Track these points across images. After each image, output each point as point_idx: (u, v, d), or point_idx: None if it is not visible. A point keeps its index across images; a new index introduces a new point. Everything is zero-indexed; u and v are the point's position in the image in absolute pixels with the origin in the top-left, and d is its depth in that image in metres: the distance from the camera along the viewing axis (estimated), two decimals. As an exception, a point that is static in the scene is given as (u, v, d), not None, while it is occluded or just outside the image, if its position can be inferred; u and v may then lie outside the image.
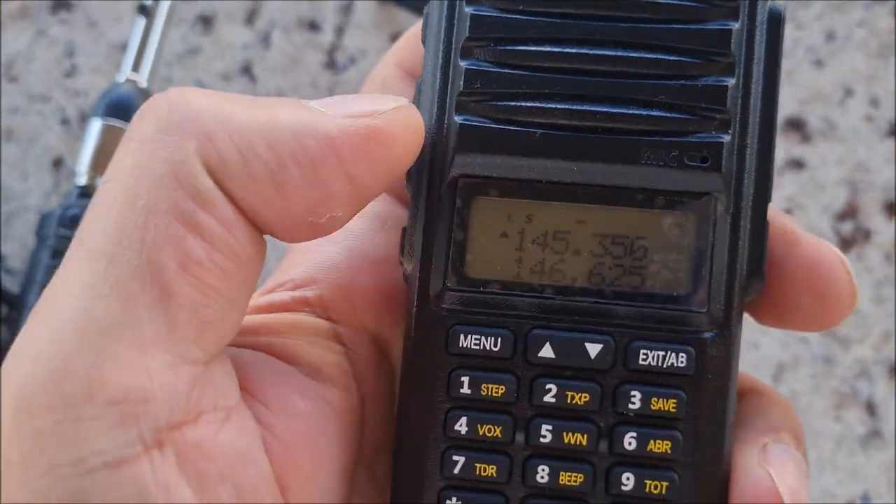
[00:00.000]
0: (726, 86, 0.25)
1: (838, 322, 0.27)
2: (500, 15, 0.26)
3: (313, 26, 0.58)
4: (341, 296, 0.28)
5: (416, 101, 0.26)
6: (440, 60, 0.26)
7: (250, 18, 0.58)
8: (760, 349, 0.55)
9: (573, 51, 0.25)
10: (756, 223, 0.26)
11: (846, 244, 0.55)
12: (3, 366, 0.22)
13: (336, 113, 0.24)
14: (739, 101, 0.25)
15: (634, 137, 0.25)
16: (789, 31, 0.57)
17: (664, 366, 0.25)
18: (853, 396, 0.54)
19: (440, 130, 0.26)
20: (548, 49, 0.25)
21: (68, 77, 0.58)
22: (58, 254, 0.48)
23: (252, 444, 0.24)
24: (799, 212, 0.56)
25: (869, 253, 0.55)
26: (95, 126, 0.51)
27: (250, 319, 0.28)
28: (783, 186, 0.56)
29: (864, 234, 0.56)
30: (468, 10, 0.26)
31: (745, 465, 0.26)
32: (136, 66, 0.52)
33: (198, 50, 0.58)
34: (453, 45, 0.26)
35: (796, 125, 0.56)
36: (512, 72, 0.25)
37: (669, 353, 0.25)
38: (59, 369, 0.22)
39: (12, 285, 0.54)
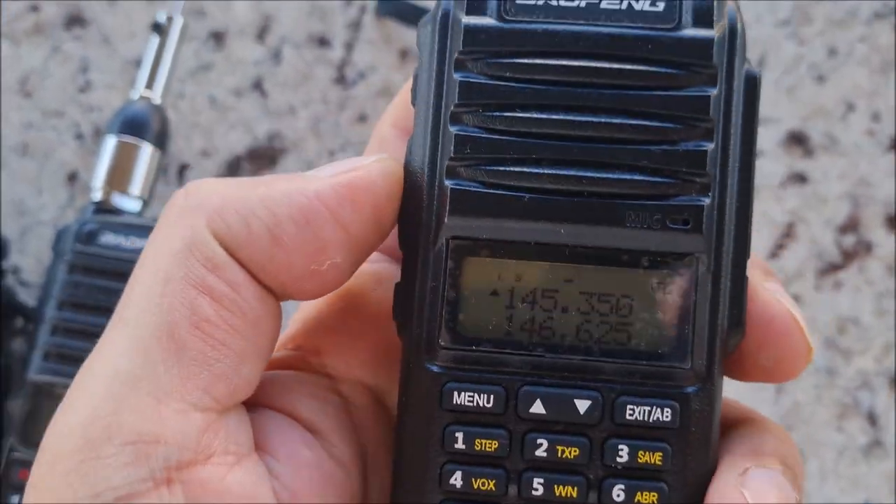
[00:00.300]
0: (706, 150, 0.26)
1: (795, 375, 0.29)
2: (488, 82, 0.26)
3: (323, 42, 0.59)
4: (337, 354, 0.30)
5: (407, 160, 0.28)
6: (430, 124, 0.27)
7: (261, 35, 0.59)
8: (764, 361, 0.56)
9: (559, 117, 0.26)
10: (736, 279, 0.27)
11: (848, 257, 0.56)
12: (54, 416, 0.26)
13: (324, 174, 0.27)
14: (718, 164, 0.26)
15: (619, 201, 0.26)
16: (791, 48, 0.58)
17: (650, 420, 0.27)
18: (855, 407, 0.55)
19: (431, 193, 0.27)
20: (535, 115, 0.26)
21: (82, 92, 0.59)
22: (74, 268, 0.49)
23: (261, 489, 0.26)
24: (802, 225, 0.57)
25: (870, 266, 0.56)
26: (110, 143, 0.52)
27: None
28: (786, 200, 0.57)
29: (866, 247, 0.56)
30: (457, 76, 0.27)
31: (720, 489, 0.27)
32: (149, 83, 0.53)
33: (210, 66, 0.59)
34: (442, 110, 0.27)
35: (799, 140, 0.57)
36: (500, 138, 0.26)
37: (655, 408, 0.27)
38: (86, 417, 0.25)
39: (28, 298, 0.55)
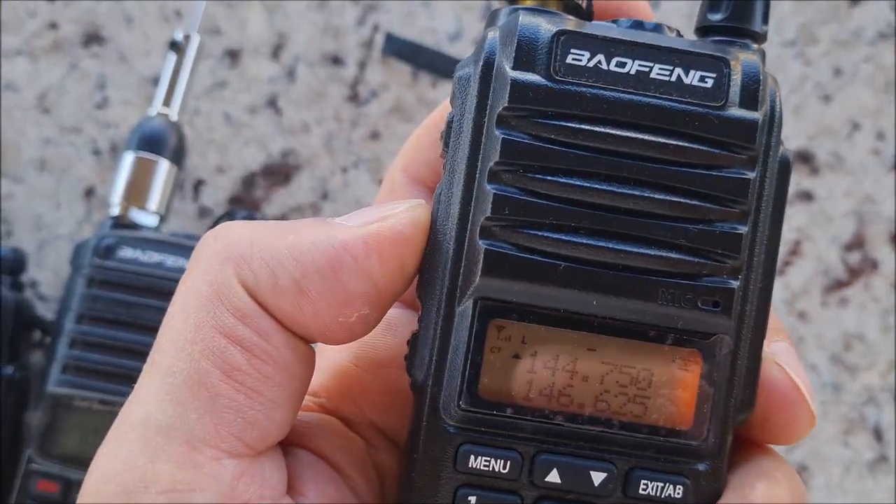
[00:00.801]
0: (741, 234, 0.26)
1: (800, 439, 0.29)
2: (532, 143, 0.26)
3: (336, 61, 0.60)
4: (350, 401, 0.31)
5: (435, 210, 0.27)
6: (464, 178, 0.26)
7: (276, 53, 0.60)
8: (770, 376, 0.56)
9: (602, 187, 0.26)
10: (752, 359, 0.27)
11: (854, 274, 0.57)
12: (93, 461, 0.27)
13: (353, 223, 0.27)
14: (748, 247, 0.26)
15: (654, 277, 0.26)
16: (797, 68, 0.59)
17: (662, 496, 0.27)
18: (861, 423, 0.56)
19: (459, 250, 0.26)
20: (577, 182, 0.26)
21: (100, 109, 0.60)
22: (92, 282, 0.50)
23: None
24: (808, 242, 0.57)
25: (876, 283, 0.57)
26: (128, 159, 0.53)
27: None
28: (792, 218, 0.58)
29: (872, 265, 0.57)
30: (498, 132, 0.26)
31: None
32: (166, 101, 0.54)
33: (225, 83, 0.60)
34: (479, 165, 0.26)
35: (805, 158, 0.58)
36: (540, 202, 0.26)
37: (667, 484, 0.27)
38: (123, 464, 0.26)
39: (46, 311, 0.56)
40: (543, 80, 0.26)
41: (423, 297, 0.27)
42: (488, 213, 0.26)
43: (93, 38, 0.61)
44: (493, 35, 0.26)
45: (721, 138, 0.26)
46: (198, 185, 0.59)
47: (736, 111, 0.26)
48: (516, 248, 0.26)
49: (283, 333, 0.27)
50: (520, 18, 0.26)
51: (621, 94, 0.26)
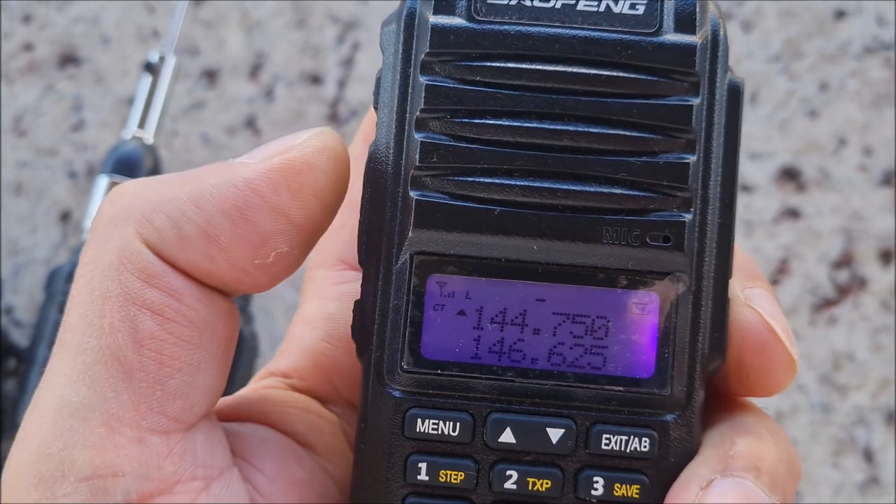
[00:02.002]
0: (688, 163, 0.25)
1: (781, 389, 0.27)
2: (456, 86, 0.25)
3: (316, 80, 0.59)
4: (323, 379, 0.29)
5: (369, 169, 0.26)
6: (393, 130, 0.25)
7: (254, 72, 0.60)
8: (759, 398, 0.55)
9: (533, 125, 0.25)
10: (717, 300, 0.25)
11: (842, 292, 0.56)
12: (10, 454, 0.25)
13: (254, 159, 0.25)
14: (700, 178, 0.25)
15: (596, 216, 0.25)
16: (783, 83, 0.58)
17: (627, 450, 0.25)
18: (851, 444, 0.55)
19: (394, 205, 0.25)
20: (506, 123, 0.25)
21: (76, 131, 0.59)
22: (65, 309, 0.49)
23: None
24: (796, 261, 0.57)
25: (865, 301, 0.56)
26: (102, 183, 0.52)
27: (246, 393, 0.29)
28: (779, 235, 0.57)
29: (860, 282, 0.56)
30: (423, 79, 0.25)
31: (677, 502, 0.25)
32: (141, 123, 0.53)
33: (203, 104, 0.59)
34: (407, 116, 0.25)
35: (791, 175, 0.57)
36: (469, 146, 0.25)
37: (632, 437, 0.25)
38: (36, 453, 0.24)
39: (21, 338, 0.55)
40: (464, 21, 0.25)
41: (363, 260, 0.26)
42: (416, 163, 0.25)
43: (69, 60, 0.60)
44: None
45: (657, 65, 0.24)
46: (175, 207, 0.59)
47: (671, 36, 0.25)
48: (448, 196, 0.25)
49: (197, 289, 0.25)
50: None
51: (547, 29, 0.25)
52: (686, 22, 0.25)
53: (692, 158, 0.25)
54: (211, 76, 0.60)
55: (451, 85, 0.25)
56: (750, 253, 0.57)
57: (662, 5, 0.25)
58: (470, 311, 0.26)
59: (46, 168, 0.59)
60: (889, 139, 0.57)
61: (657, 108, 0.24)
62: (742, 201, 0.57)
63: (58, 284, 0.50)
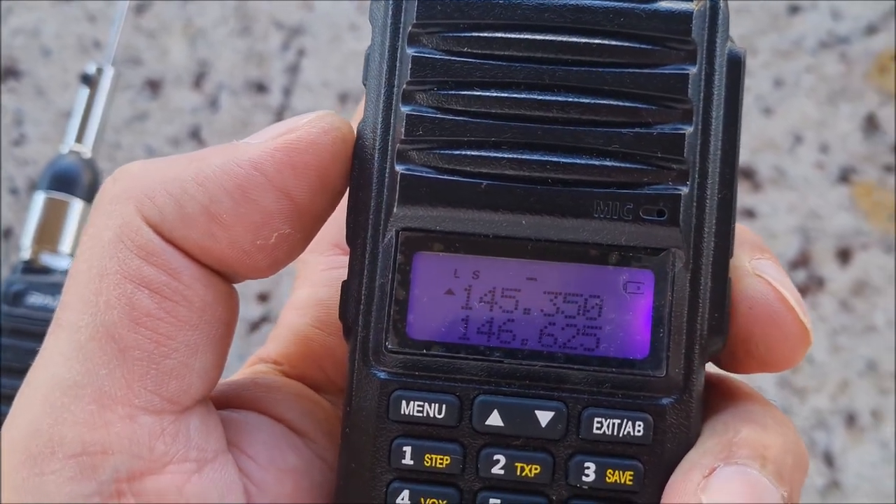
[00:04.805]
0: (683, 134, 0.23)
1: (794, 362, 0.25)
2: (442, 57, 0.24)
3: (261, 88, 0.58)
4: (314, 365, 0.29)
5: (358, 146, 0.25)
6: (381, 105, 0.25)
7: (198, 82, 0.58)
8: (716, 402, 0.55)
9: (521, 96, 0.24)
10: (717, 279, 0.24)
11: (800, 293, 0.55)
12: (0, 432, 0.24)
13: (259, 140, 0.25)
14: (698, 150, 0.24)
15: (586, 189, 0.24)
16: (737, 80, 0.57)
17: (620, 435, 0.24)
18: (811, 447, 0.54)
19: (381, 180, 0.25)
20: (494, 94, 0.24)
21: (17, 146, 0.58)
22: (1, 331, 0.48)
23: (228, 496, 0.24)
24: (752, 261, 0.56)
25: (823, 301, 0.55)
26: (38, 199, 0.51)
27: (237, 379, 0.28)
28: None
29: (818, 282, 0.55)
30: (410, 51, 0.24)
31: (678, 491, 0.23)
32: (79, 137, 0.52)
33: (146, 115, 0.58)
34: (395, 89, 0.25)
35: (747, 174, 0.56)
36: (456, 118, 0.24)
37: (626, 421, 0.24)
38: (27, 429, 0.24)
39: (-38, 359, 0.53)
40: None
41: (351, 240, 0.25)
42: (402, 136, 0.24)
43: (9, 73, 0.59)
44: None
45: (651, 33, 0.24)
46: (119, 221, 0.57)
47: (666, 3, 0.24)
48: (434, 170, 0.24)
49: (197, 269, 0.24)
50: None
51: None
52: None
53: (689, 129, 0.24)
54: (154, 86, 0.58)
55: (438, 56, 0.24)
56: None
57: None
58: (457, 290, 0.25)
59: (-12, 184, 0.58)
60: (845, 135, 0.56)
61: (651, 77, 0.24)
62: (696, 202, 0.56)
63: (-5, 304, 0.49)
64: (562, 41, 0.24)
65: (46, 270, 0.50)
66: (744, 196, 0.56)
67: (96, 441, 0.23)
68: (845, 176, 0.56)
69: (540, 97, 0.24)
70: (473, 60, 0.24)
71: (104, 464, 0.23)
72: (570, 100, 0.24)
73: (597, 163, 0.24)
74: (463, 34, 0.24)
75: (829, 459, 0.54)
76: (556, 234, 0.24)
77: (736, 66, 0.24)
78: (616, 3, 0.24)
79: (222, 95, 0.58)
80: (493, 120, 0.24)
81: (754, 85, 0.57)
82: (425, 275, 0.25)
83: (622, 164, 0.24)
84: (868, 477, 0.53)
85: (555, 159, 0.24)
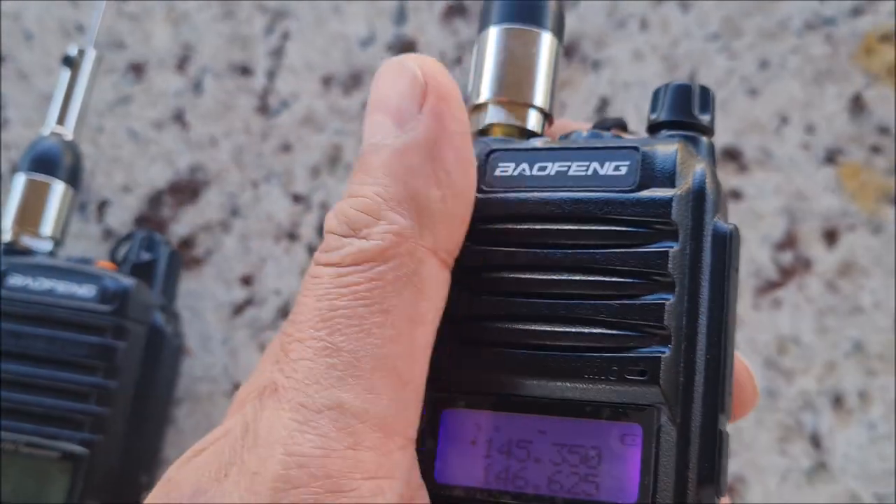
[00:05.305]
0: (663, 304, 0.26)
1: (741, 417, 0.30)
2: (468, 246, 0.28)
3: (245, 71, 0.58)
4: None
5: None
6: None
7: (182, 65, 0.58)
8: (703, 384, 0.54)
9: (526, 276, 0.28)
10: (706, 432, 0.26)
11: (786, 274, 0.55)
12: (252, 453, 0.25)
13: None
14: (684, 317, 0.26)
15: (576, 354, 0.26)
16: (722, 62, 0.57)
17: None
18: (798, 429, 0.53)
19: None
20: (505, 275, 0.28)
21: (-1, 130, 0.58)
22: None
23: None
24: (738, 243, 0.55)
25: (810, 283, 0.55)
26: (19, 181, 0.50)
27: None
28: (721, 218, 0.55)
29: (805, 264, 0.55)
30: None
31: None
32: (61, 119, 0.52)
33: (129, 99, 0.58)
34: None
35: (733, 156, 0.56)
36: (478, 296, 0.28)
37: None
38: (321, 449, 0.25)
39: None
40: (476, 194, 0.28)
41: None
42: None
43: (-9, 57, 0.58)
44: None
45: (635, 217, 0.27)
46: (102, 205, 0.57)
47: (649, 192, 0.27)
48: (460, 342, 0.27)
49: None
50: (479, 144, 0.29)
51: (541, 193, 0.28)
52: (665, 178, 0.27)
53: (671, 299, 0.26)
54: (137, 70, 0.58)
55: (465, 244, 0.28)
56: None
57: (642, 165, 0.27)
58: (480, 442, 0.28)
59: (-30, 169, 0.57)
60: (831, 116, 0.56)
61: (634, 256, 0.27)
62: (682, 184, 0.56)
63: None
64: (557, 229, 0.28)
65: (28, 252, 0.50)
66: (730, 178, 0.56)
67: (385, 466, 0.25)
68: (831, 157, 0.56)
69: (540, 277, 0.27)
70: (490, 248, 0.28)
71: (390, 489, 0.25)
72: (564, 278, 0.27)
73: (585, 330, 0.27)
74: (482, 226, 0.28)
75: (816, 441, 0.53)
76: (554, 394, 0.27)
77: (722, 240, 0.27)
78: (606, 195, 0.27)
79: (206, 79, 0.58)
80: (502, 297, 0.28)
81: (739, 67, 0.57)
82: (451, 429, 0.28)
83: (607, 332, 0.26)
84: (855, 458, 0.53)
85: (549, 329, 0.27)
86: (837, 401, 0.54)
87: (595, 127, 0.32)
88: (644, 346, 0.26)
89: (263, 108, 0.57)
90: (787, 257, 0.55)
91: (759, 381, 0.54)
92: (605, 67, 0.57)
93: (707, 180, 0.27)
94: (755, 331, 0.54)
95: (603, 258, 0.27)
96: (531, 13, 0.30)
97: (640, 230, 0.27)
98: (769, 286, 0.55)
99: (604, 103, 0.57)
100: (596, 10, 0.57)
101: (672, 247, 0.26)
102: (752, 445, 0.53)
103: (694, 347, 0.26)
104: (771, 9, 0.57)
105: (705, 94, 0.30)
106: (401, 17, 0.57)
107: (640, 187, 0.27)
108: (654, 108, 0.30)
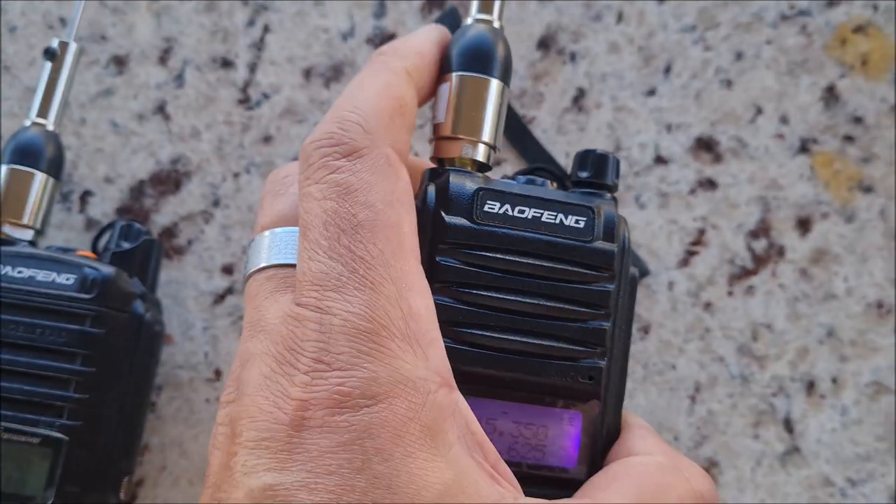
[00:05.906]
0: (605, 329, 0.35)
1: None
2: (461, 267, 0.35)
3: (227, 63, 0.58)
4: None
5: None
6: None
7: (164, 58, 0.59)
8: (677, 370, 0.55)
9: (509, 297, 0.35)
10: (613, 416, 0.36)
11: (760, 262, 0.56)
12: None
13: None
14: (612, 339, 0.36)
15: (546, 360, 0.35)
16: (698, 53, 0.57)
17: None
18: (771, 414, 0.54)
19: None
20: (492, 294, 0.35)
21: (-17, 122, 0.58)
22: (-37, 301, 0.48)
23: None
24: (712, 231, 0.56)
25: (783, 270, 0.55)
26: (1, 172, 0.51)
27: None
28: (696, 207, 0.56)
29: (778, 251, 0.56)
30: (438, 260, 0.35)
31: None
32: (42, 111, 0.52)
33: (112, 91, 0.58)
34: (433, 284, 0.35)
35: (707, 146, 0.57)
36: (467, 308, 0.35)
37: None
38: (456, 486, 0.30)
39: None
40: (469, 223, 0.35)
41: None
42: None
43: (-25, 50, 0.59)
44: (432, 189, 0.36)
45: (590, 262, 0.36)
46: (85, 195, 0.57)
47: (599, 244, 0.36)
48: (451, 340, 0.34)
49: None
50: (450, 178, 0.36)
51: (522, 233, 0.35)
52: (609, 234, 0.36)
53: (608, 325, 0.35)
54: (119, 62, 0.59)
55: (457, 265, 0.35)
56: (667, 225, 0.56)
57: (594, 222, 0.36)
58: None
59: (-46, 160, 0.58)
60: (805, 106, 0.57)
61: (588, 291, 0.35)
62: (658, 173, 0.56)
63: (-43, 276, 0.49)
64: (535, 263, 0.35)
65: (9, 242, 0.50)
66: (705, 167, 0.56)
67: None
68: (805, 147, 0.56)
69: (520, 299, 0.35)
70: (480, 270, 0.35)
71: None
72: (537, 302, 0.35)
73: (555, 344, 0.35)
74: (474, 252, 0.35)
75: (788, 426, 0.54)
76: (525, 387, 0.35)
77: (633, 284, 0.37)
78: (570, 241, 0.35)
79: (188, 71, 0.58)
80: (490, 311, 0.35)
81: (715, 58, 0.57)
82: None
83: (569, 346, 0.35)
84: (828, 443, 0.54)
85: (526, 340, 0.35)
86: (810, 386, 0.54)
87: (517, 174, 0.40)
88: (590, 357, 0.35)
89: (245, 100, 0.58)
90: (760, 245, 0.56)
91: (733, 367, 0.55)
92: (581, 59, 0.57)
93: (627, 237, 0.36)
94: (729, 318, 0.55)
95: (566, 291, 0.35)
96: (483, 64, 0.38)
97: (592, 272, 0.35)
98: (743, 273, 0.56)
99: (581, 94, 0.57)
100: (573, 3, 0.58)
101: (611, 287, 0.35)
102: (726, 430, 0.54)
103: (617, 361, 0.36)
104: (747, 0, 0.58)
105: (616, 162, 0.39)
106: (381, 10, 0.58)
107: (594, 239, 0.36)
108: (581, 168, 0.38)
